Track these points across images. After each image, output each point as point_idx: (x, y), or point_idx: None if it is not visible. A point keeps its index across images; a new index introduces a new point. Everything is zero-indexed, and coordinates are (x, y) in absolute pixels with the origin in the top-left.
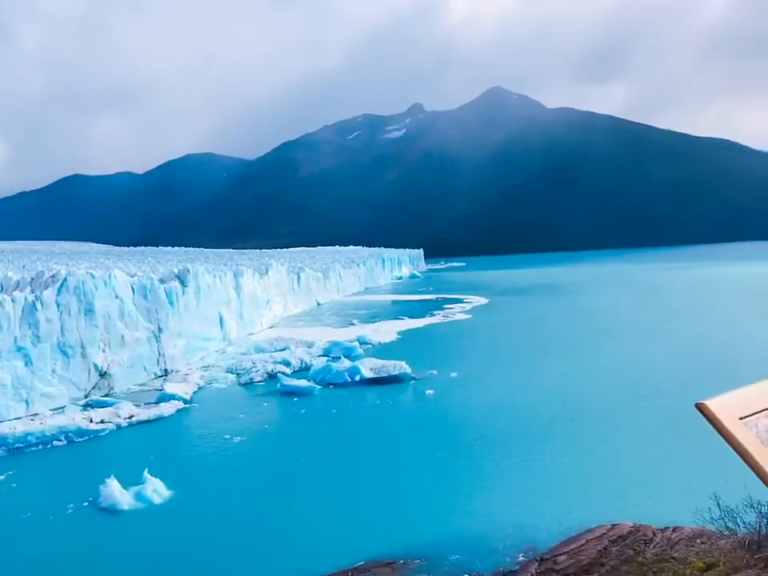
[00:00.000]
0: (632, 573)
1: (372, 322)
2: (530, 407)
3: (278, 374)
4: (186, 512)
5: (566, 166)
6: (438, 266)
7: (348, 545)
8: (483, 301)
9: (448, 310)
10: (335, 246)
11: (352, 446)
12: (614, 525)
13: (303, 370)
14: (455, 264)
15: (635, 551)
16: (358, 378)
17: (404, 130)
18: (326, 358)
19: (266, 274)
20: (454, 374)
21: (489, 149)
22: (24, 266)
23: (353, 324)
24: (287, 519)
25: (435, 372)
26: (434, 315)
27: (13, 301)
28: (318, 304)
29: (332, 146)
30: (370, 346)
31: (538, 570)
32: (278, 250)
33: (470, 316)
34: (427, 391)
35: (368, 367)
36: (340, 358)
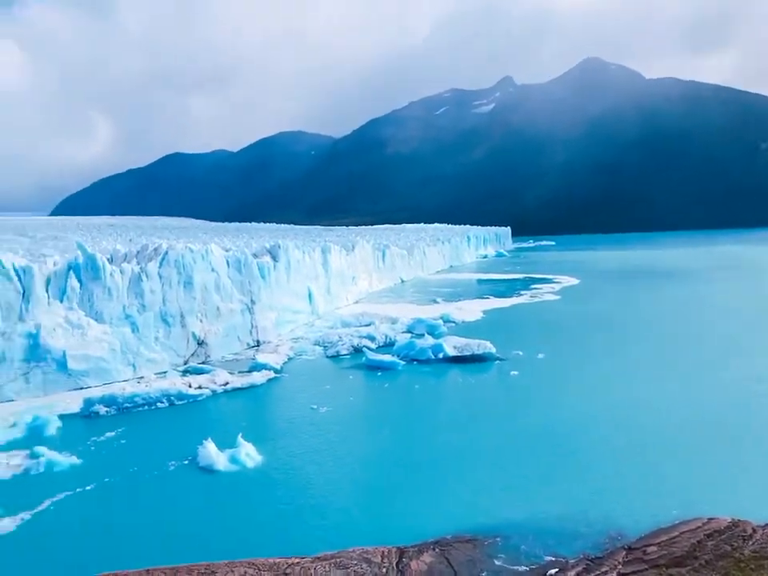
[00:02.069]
0: (728, 568)
1: (456, 301)
2: (623, 395)
3: (363, 349)
4: (276, 476)
5: (666, 140)
6: (525, 245)
7: (429, 518)
8: (573, 282)
9: (535, 290)
10: (420, 223)
11: (434, 421)
12: (710, 519)
13: (387, 346)
14: (544, 243)
15: (732, 547)
16: (441, 355)
17: (492, 105)
18: (409, 335)
19: (353, 250)
20: (540, 356)
21: (582, 123)
22: (131, 240)
23: (436, 302)
24: (369, 489)
25: (521, 353)
26: (521, 295)
27: (121, 272)
28: (402, 281)
29: (419, 123)
30: (454, 324)
31: (626, 559)
32: (365, 227)
33: (558, 297)
34: (512, 372)
35: (451, 345)
36: (424, 335)
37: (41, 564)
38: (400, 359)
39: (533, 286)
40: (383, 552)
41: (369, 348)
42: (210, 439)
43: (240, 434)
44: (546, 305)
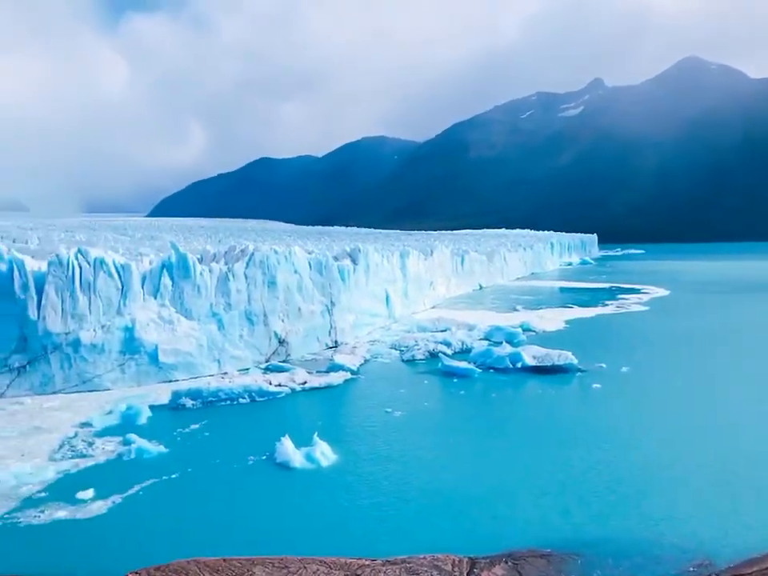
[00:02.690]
0: None
1: (537, 309)
2: (714, 415)
3: (439, 354)
4: (349, 477)
5: None
6: (612, 253)
7: (500, 530)
8: (663, 293)
9: (622, 301)
10: (502, 228)
11: (509, 433)
12: None
13: (464, 352)
14: (632, 251)
15: None
16: (519, 364)
17: (581, 108)
18: (486, 342)
19: (431, 255)
20: (624, 369)
21: (678, 126)
22: (219, 241)
23: (516, 309)
24: (440, 496)
25: (604, 365)
26: (606, 305)
27: (210, 271)
28: (481, 287)
29: (503, 127)
30: (534, 333)
31: None
32: (444, 232)
33: (646, 308)
34: (594, 385)
35: (530, 354)
36: (501, 342)
37: (126, 544)
38: (476, 366)
39: (619, 296)
40: (454, 560)
41: (445, 354)
42: (287, 436)
43: (316, 433)
44: (633, 316)
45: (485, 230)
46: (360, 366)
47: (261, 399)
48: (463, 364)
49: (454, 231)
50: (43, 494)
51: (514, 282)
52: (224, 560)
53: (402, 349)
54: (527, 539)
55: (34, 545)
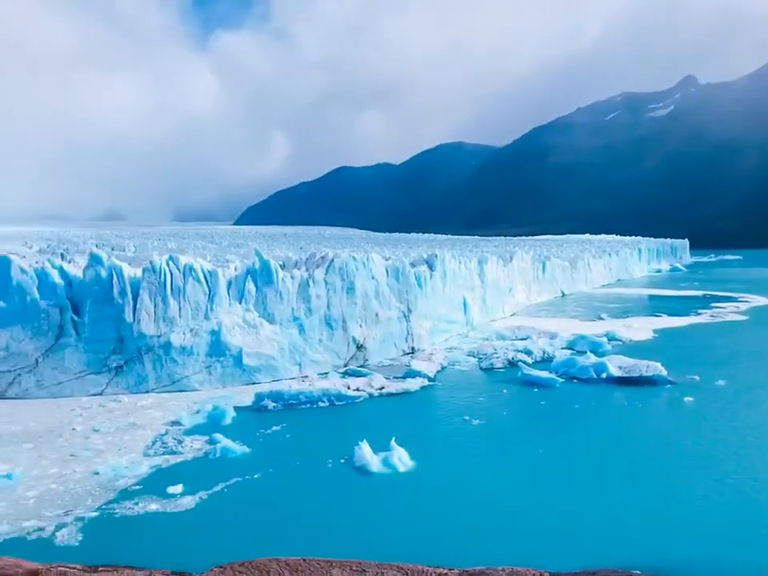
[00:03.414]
0: None
1: (623, 317)
2: None
3: (519, 363)
4: (425, 483)
5: None
6: (705, 259)
7: (581, 546)
8: (764, 301)
9: (717, 310)
10: (585, 234)
11: (592, 445)
12: None
13: (545, 361)
14: (728, 257)
15: None
16: (604, 375)
17: (671, 108)
18: (569, 351)
19: (510, 261)
20: (720, 383)
21: None
22: (301, 248)
23: (601, 318)
24: (518, 507)
25: (697, 378)
26: (699, 314)
27: (292, 277)
28: (563, 294)
29: (586, 129)
30: (620, 342)
31: None
32: (524, 237)
33: (745, 318)
34: (685, 398)
35: (616, 365)
36: (585, 352)
37: (212, 539)
38: (558, 376)
39: (713, 305)
40: (534, 575)
41: (525, 363)
42: (365, 441)
43: (393, 439)
44: (729, 325)
45: (567, 235)
46: (437, 372)
47: (339, 403)
48: (544, 373)
49: (535, 237)
50: (137, 488)
51: (598, 290)
52: (304, 560)
53: (480, 356)
54: (607, 557)
55: (128, 535)
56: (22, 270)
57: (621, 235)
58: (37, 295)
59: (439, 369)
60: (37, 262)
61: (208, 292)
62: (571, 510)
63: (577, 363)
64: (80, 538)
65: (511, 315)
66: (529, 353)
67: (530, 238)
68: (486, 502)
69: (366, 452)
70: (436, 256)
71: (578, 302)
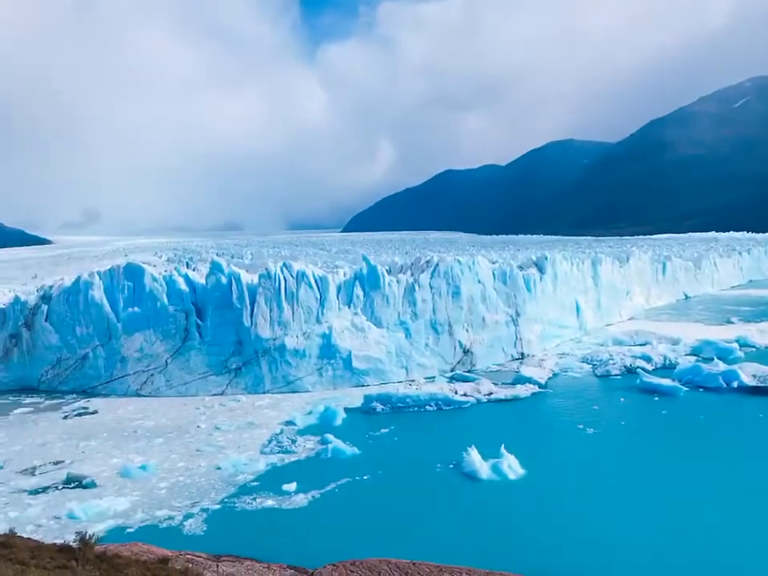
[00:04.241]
0: None
1: (757, 322)
2: None
3: (638, 370)
4: (537, 493)
5: None
6: None
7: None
8: None
9: None
10: (710, 231)
11: (722, 461)
12: None
13: (666, 368)
14: None
15: None
16: (735, 384)
17: None
18: (694, 358)
19: (627, 262)
20: None
21: None
22: (406, 253)
23: (731, 322)
24: (633, 524)
25: None
26: None
27: (398, 282)
28: (687, 297)
29: (710, 120)
30: (753, 349)
31: None
32: (641, 237)
33: None
34: None
35: (749, 373)
36: (713, 359)
37: (324, 536)
38: (682, 384)
39: None
40: None
41: (644, 369)
42: (473, 447)
43: (503, 445)
44: None
45: (689, 233)
46: (548, 379)
47: (447, 408)
48: (666, 381)
49: (653, 236)
50: (255, 484)
51: (727, 291)
52: (413, 563)
53: (595, 363)
54: None
55: (247, 528)
56: (153, 278)
57: (752, 232)
58: (166, 301)
59: (550, 375)
60: (165, 270)
61: (319, 297)
62: (688, 532)
63: (703, 371)
64: (204, 529)
65: (628, 319)
66: (648, 359)
67: (647, 237)
68: (600, 516)
69: (474, 458)
70: (546, 258)
71: (703, 305)
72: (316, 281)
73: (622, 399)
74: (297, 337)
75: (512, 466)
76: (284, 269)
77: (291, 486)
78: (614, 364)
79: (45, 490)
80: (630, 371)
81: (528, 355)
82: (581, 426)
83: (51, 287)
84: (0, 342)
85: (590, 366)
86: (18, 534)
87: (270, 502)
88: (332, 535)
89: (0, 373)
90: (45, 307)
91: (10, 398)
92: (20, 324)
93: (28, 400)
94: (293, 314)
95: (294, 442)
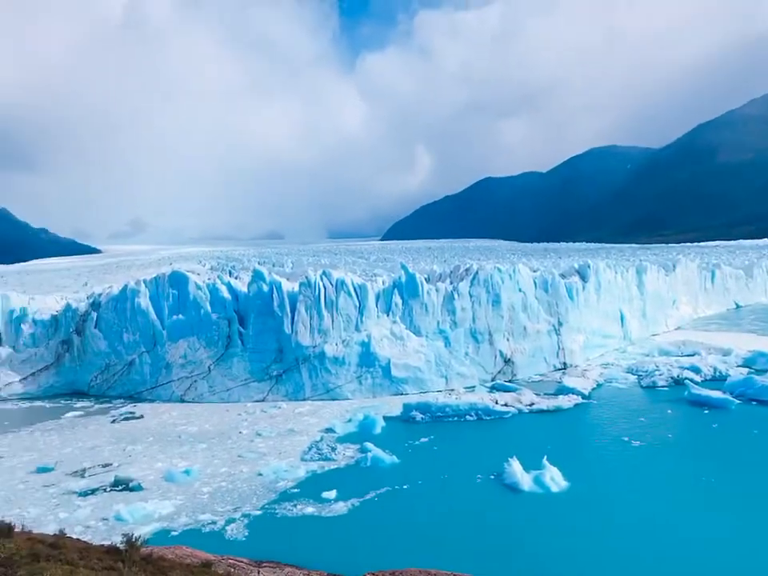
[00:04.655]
0: None
1: None
2: None
3: (686, 381)
4: (580, 507)
5: None
6: None
7: None
8: None
9: None
10: (762, 239)
11: None
12: None
13: (716, 380)
14: None
15: None
16: None
17: None
18: (746, 370)
19: (673, 270)
20: None
21: None
22: (445, 261)
23: None
24: (675, 544)
25: None
26: None
27: (436, 290)
28: (738, 306)
29: (761, 123)
30: None
31: None
32: (688, 244)
33: None
34: None
35: None
36: (767, 371)
37: (363, 545)
38: (733, 397)
39: None
40: None
41: (693, 381)
42: (515, 458)
43: (545, 457)
44: None
45: (740, 241)
46: (592, 390)
47: (487, 418)
48: (716, 393)
49: (701, 244)
50: (295, 491)
51: None
52: (454, 575)
53: (641, 374)
54: None
55: (288, 534)
56: (197, 286)
57: None
58: (209, 308)
59: (594, 386)
60: (209, 279)
61: (358, 305)
62: (739, 571)
63: (756, 383)
64: (246, 534)
65: (675, 329)
66: (697, 371)
67: (695, 244)
68: (646, 532)
69: (516, 469)
70: (589, 266)
71: (755, 315)
72: (355, 289)
73: (669, 411)
74: (336, 344)
75: (555, 479)
76: (323, 277)
77: (331, 494)
78: (660, 375)
79: (93, 492)
80: (678, 383)
81: (571, 365)
82: (626, 439)
83: (100, 295)
84: (53, 347)
85: (636, 376)
86: (68, 535)
87: (309, 509)
88: (371, 544)
89: (52, 377)
90: (94, 314)
91: (62, 401)
92: (71, 330)
93: (78, 404)
94: (332, 321)
95: (333, 449)
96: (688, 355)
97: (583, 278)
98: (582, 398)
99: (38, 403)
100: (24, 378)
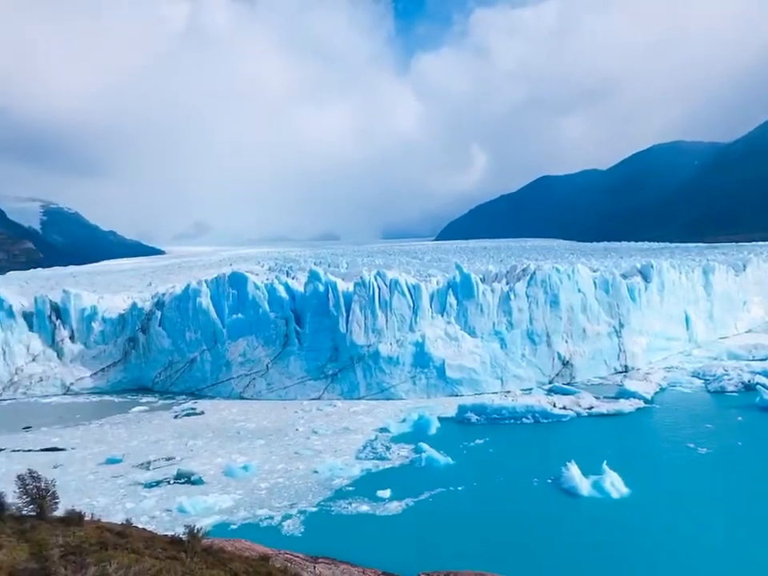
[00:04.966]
0: None
1: None
2: None
3: (757, 386)
4: (644, 514)
5: None
6: None
7: None
8: None
9: None
10: None
11: None
12: None
13: None
14: None
15: None
16: None
17: None
18: None
19: (744, 270)
20: None
21: None
22: (501, 261)
23: None
24: (743, 558)
25: None
26: None
27: (492, 291)
28: None
29: None
30: None
31: None
32: (760, 243)
33: None
34: None
35: None
36: None
37: (417, 545)
38: None
39: None
40: None
41: (764, 386)
42: (573, 462)
43: (605, 462)
44: None
45: None
46: (655, 394)
47: (544, 421)
48: None
49: None
50: (350, 488)
51: None
52: None
53: (708, 378)
54: None
55: (343, 532)
56: (255, 286)
57: None
58: (267, 308)
59: (657, 390)
60: (267, 279)
61: (412, 305)
62: None
63: None
64: (302, 530)
65: (746, 332)
66: None
67: (766, 243)
68: (711, 547)
69: (574, 473)
70: (652, 266)
71: None
72: (409, 289)
73: (739, 418)
74: (390, 344)
75: (615, 484)
76: (378, 277)
77: (385, 493)
78: (729, 380)
79: (158, 483)
80: (749, 388)
81: (632, 368)
82: (691, 446)
83: (164, 294)
84: (120, 344)
85: (702, 381)
86: (134, 525)
87: (364, 508)
88: (425, 544)
89: (120, 373)
90: (158, 313)
91: (129, 396)
92: (137, 328)
93: (144, 399)
94: (386, 321)
95: (388, 448)
96: (760, 359)
97: (646, 278)
98: (645, 403)
99: (107, 397)
100: (94, 374)
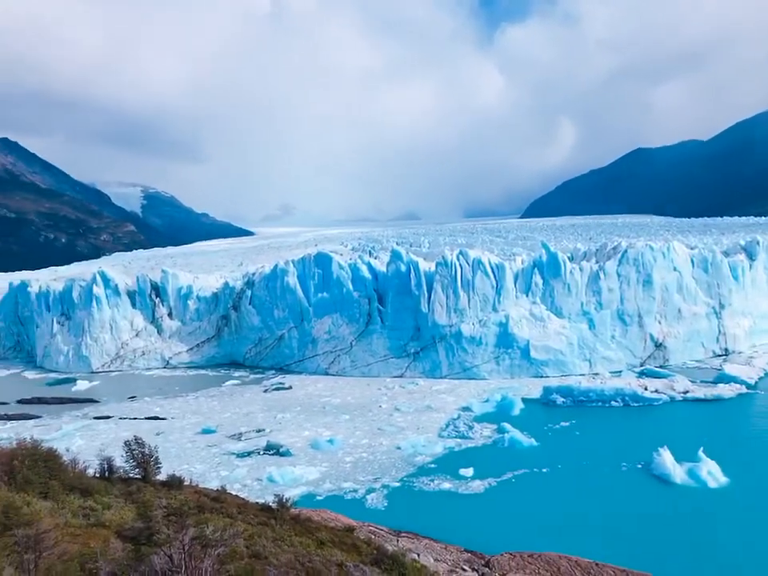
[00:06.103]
0: None
1: None
2: None
3: None
4: (743, 507)
5: None
6: None
7: None
8: None
9: None
10: None
11: None
12: None
13: None
14: None
15: None
16: None
17: None
18: None
19: None
20: None
21: None
22: (590, 239)
23: None
24: None
25: None
26: None
27: (580, 270)
28: None
29: None
30: None
31: None
32: None
33: None
34: None
35: None
36: None
37: (499, 525)
38: None
39: None
40: None
41: None
42: (666, 448)
43: (701, 449)
44: None
45: None
46: (759, 379)
47: (635, 404)
48: None
49: None
50: (432, 466)
51: None
52: (596, 564)
53: None
54: None
55: (425, 507)
56: (340, 266)
57: None
58: (351, 287)
59: (761, 375)
60: (350, 259)
61: (495, 285)
62: None
63: None
64: (385, 504)
65: None
66: None
67: None
68: None
69: (667, 459)
70: (758, 242)
71: None
72: (492, 268)
73: None
74: (473, 324)
75: (712, 473)
76: (460, 256)
77: (468, 472)
78: None
79: (249, 454)
80: None
81: (733, 352)
82: None
83: (254, 274)
84: (213, 321)
85: None
86: (228, 491)
87: (446, 485)
88: (507, 524)
89: (213, 349)
90: (249, 292)
91: (222, 371)
92: (229, 306)
93: (236, 374)
94: (468, 301)
95: (470, 428)
96: None
97: (750, 255)
98: (747, 388)
99: (202, 371)
100: (190, 349)
